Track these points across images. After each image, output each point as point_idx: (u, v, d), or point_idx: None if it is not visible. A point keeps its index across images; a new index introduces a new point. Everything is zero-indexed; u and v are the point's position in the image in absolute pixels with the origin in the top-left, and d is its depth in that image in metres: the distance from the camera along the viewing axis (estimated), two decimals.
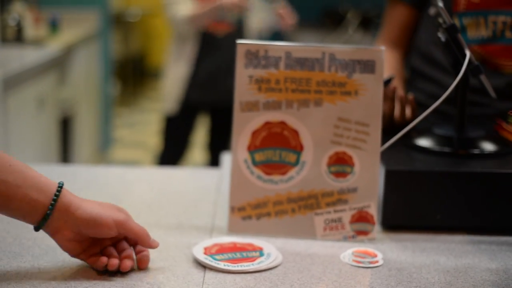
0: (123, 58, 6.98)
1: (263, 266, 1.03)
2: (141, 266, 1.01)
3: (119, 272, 0.99)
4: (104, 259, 0.98)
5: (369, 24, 4.31)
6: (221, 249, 1.07)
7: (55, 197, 0.94)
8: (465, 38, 1.48)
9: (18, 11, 3.69)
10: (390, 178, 1.17)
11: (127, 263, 0.99)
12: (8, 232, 1.13)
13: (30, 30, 3.77)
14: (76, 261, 1.02)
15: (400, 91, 1.42)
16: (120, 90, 6.53)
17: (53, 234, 0.97)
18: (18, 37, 3.65)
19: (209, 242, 1.10)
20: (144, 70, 7.95)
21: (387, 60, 1.59)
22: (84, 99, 4.42)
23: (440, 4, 1.24)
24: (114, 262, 0.98)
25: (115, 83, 5.59)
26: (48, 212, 0.94)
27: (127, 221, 0.99)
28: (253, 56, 1.15)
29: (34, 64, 3.19)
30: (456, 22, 1.49)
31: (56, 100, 3.63)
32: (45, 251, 1.06)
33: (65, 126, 3.89)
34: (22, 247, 1.07)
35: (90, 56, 4.60)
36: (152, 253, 1.07)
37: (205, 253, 1.05)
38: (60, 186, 0.96)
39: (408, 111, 1.40)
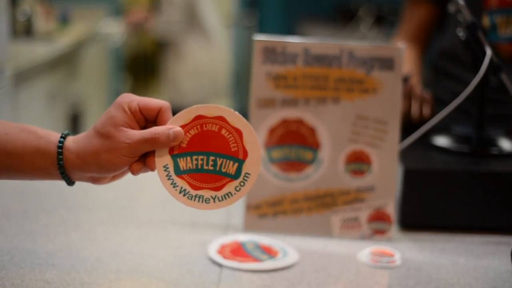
0: (134, 54, 6.96)
1: (268, 266, 1.01)
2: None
3: (134, 270, 0.98)
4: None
5: (382, 21, 4.29)
6: (233, 250, 1.06)
7: (60, 163, 0.87)
8: (495, 36, 1.47)
9: (29, 5, 3.68)
10: (408, 177, 1.16)
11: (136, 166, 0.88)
12: (21, 228, 1.12)
13: (41, 25, 3.76)
14: (91, 258, 1.01)
15: (417, 90, 1.40)
16: (131, 86, 6.52)
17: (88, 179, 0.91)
18: (28, 32, 3.64)
19: (226, 239, 1.09)
20: (155, 66, 7.94)
21: (406, 56, 1.58)
22: (94, 94, 4.41)
23: (461, 1, 1.22)
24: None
25: (126, 78, 5.58)
26: (62, 175, 0.88)
27: (129, 146, 0.85)
28: (271, 53, 1.14)
29: (44, 59, 3.18)
30: (487, 19, 1.48)
31: (66, 95, 3.62)
32: (59, 247, 1.05)
33: (75, 121, 3.88)
34: (36, 244, 1.06)
35: (100, 52, 4.59)
36: (167, 250, 1.06)
37: (218, 252, 1.04)
38: (60, 146, 0.87)
39: (426, 110, 1.39)
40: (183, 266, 1.00)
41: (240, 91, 5.19)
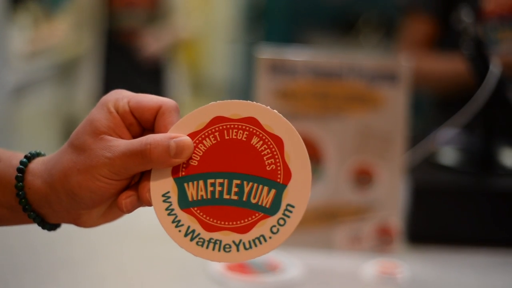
0: None
1: (271, 280, 1.01)
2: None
3: (136, 286, 0.98)
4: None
5: (382, 31, 4.30)
6: (236, 264, 1.05)
7: (20, 193, 0.59)
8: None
9: (30, 21, 3.69)
10: (416, 194, 1.16)
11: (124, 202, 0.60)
12: (24, 244, 1.12)
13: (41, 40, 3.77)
14: (93, 273, 1.01)
15: None
16: None
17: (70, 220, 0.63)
18: (29, 46, 3.65)
19: None
20: None
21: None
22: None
23: (467, 19, 1.23)
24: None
25: None
26: (25, 211, 0.60)
27: (110, 162, 0.57)
28: (275, 68, 1.14)
29: (45, 73, 3.19)
30: (483, 31, 1.49)
31: (67, 109, 3.63)
32: (62, 262, 1.05)
33: None
34: (39, 258, 1.06)
35: None
36: (169, 264, 1.06)
37: (221, 266, 1.04)
38: (21, 169, 0.60)
39: None
40: (184, 281, 1.00)
41: None
